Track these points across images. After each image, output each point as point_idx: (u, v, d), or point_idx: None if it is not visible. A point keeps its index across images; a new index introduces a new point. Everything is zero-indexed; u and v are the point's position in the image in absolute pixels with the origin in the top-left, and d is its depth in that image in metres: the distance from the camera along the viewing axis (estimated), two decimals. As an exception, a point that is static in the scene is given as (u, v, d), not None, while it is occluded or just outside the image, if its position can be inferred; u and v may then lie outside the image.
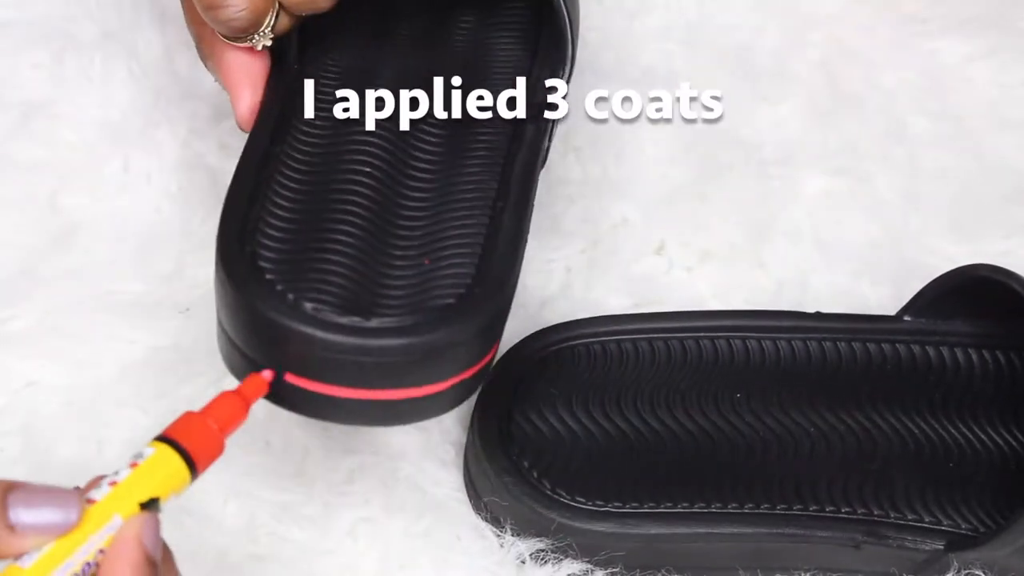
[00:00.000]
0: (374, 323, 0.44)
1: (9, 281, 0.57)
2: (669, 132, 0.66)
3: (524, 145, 0.52)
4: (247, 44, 0.49)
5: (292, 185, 0.48)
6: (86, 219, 0.60)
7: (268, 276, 0.44)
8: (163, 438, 0.40)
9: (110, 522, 0.38)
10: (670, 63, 0.69)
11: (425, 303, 0.45)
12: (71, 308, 0.57)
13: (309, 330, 0.43)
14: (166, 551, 0.40)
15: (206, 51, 0.51)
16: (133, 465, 0.39)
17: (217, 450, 0.41)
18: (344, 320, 0.44)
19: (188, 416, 0.41)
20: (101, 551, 0.37)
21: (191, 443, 0.40)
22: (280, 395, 0.45)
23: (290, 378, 0.44)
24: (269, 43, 0.49)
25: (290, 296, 0.44)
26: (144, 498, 0.39)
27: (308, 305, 0.44)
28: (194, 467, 0.40)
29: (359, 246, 0.47)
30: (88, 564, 0.37)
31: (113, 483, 0.38)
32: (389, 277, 0.46)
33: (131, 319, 0.57)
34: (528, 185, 0.51)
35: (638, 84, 0.67)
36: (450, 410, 0.49)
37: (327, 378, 0.44)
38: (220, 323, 0.46)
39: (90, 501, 0.38)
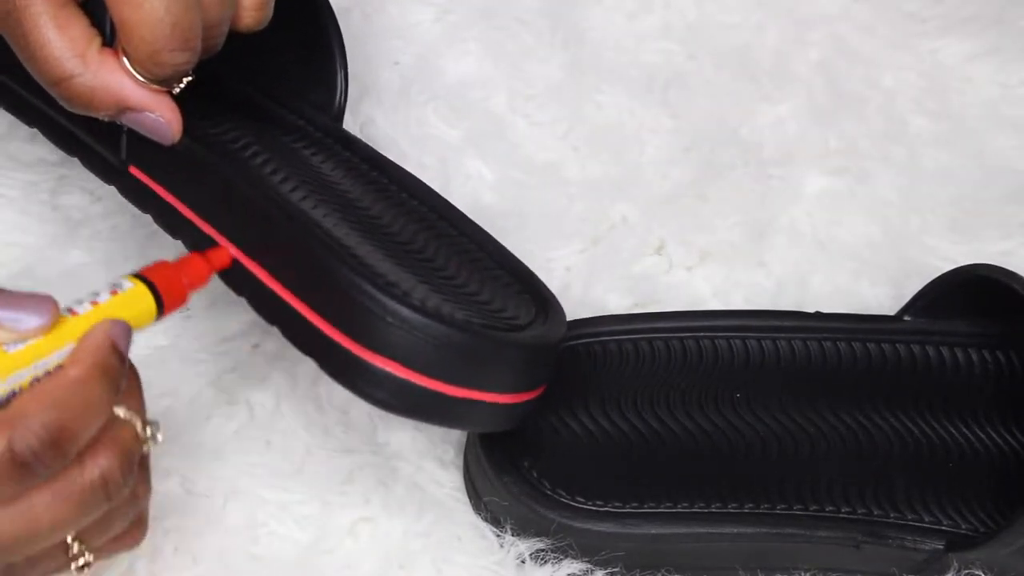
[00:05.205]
0: (418, 302, 0.45)
1: (9, 281, 0.57)
2: (669, 132, 0.66)
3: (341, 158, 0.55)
4: (166, 88, 0.47)
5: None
6: (86, 219, 0.60)
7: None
8: (141, 277, 0.44)
9: None
10: (670, 63, 0.69)
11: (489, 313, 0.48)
12: (71, 308, 0.57)
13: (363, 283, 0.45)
14: (134, 376, 0.44)
15: (102, 97, 0.47)
16: (113, 292, 0.43)
17: (181, 300, 0.46)
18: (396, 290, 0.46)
19: (163, 265, 0.45)
20: None
21: (164, 288, 0.44)
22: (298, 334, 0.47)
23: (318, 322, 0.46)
24: (183, 86, 0.48)
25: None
26: None
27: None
28: (161, 310, 0.45)
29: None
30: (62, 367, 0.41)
31: (94, 303, 0.43)
32: (436, 273, 0.49)
33: (131, 319, 0.57)
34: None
35: (638, 84, 0.68)
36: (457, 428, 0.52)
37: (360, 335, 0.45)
38: None
39: (73, 312, 0.42)
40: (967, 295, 0.56)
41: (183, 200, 0.50)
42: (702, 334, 0.56)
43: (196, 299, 0.58)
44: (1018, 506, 0.50)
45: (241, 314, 0.57)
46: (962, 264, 0.56)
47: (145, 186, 0.51)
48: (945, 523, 0.52)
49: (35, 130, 0.61)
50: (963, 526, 0.52)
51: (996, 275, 0.54)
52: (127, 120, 0.48)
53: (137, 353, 0.56)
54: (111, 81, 0.46)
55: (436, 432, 0.56)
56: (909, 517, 0.52)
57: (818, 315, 0.57)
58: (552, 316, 0.50)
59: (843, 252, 0.63)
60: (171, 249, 0.59)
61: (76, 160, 0.61)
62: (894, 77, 0.69)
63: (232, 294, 0.58)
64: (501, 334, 0.47)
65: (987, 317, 0.57)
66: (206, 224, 0.49)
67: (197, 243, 0.50)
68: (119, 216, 0.60)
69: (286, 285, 0.47)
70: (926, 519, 0.52)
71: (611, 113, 0.67)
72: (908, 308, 0.58)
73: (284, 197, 0.49)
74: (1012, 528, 0.50)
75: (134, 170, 0.51)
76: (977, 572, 0.51)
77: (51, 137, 0.56)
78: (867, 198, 0.65)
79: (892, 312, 0.58)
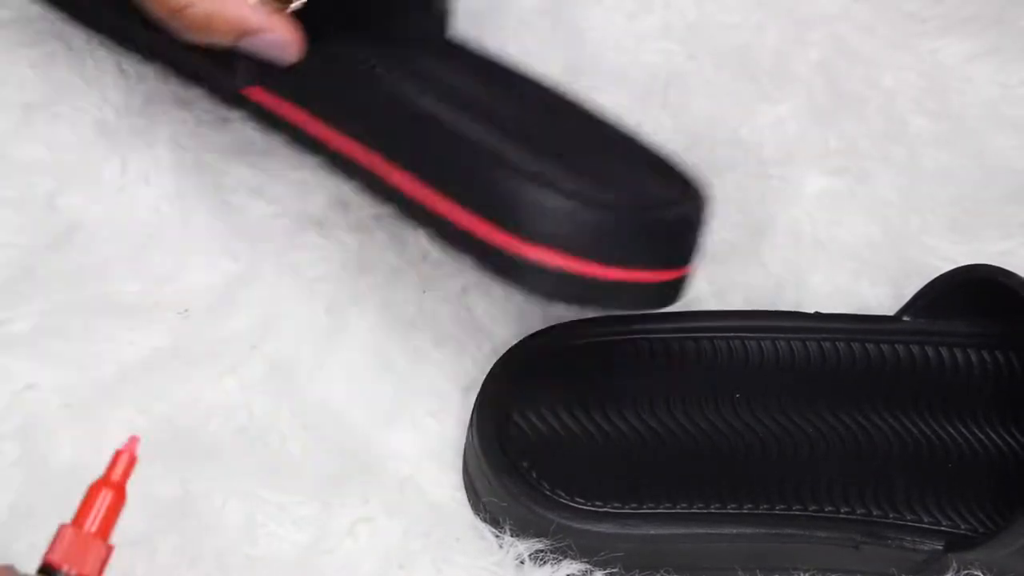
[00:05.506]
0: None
1: (8, 282, 0.57)
2: (669, 132, 0.66)
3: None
4: (283, 6, 0.48)
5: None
6: (85, 220, 0.60)
7: None
8: (46, 569, 0.39)
9: None
10: (670, 63, 0.69)
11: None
12: (70, 309, 0.57)
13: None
14: None
15: (220, 23, 0.47)
16: None
17: (106, 553, 0.40)
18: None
19: (64, 531, 0.39)
20: None
21: (77, 565, 0.39)
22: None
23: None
24: (301, 5, 0.48)
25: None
26: None
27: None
28: None
29: None
30: None
31: None
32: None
33: (130, 320, 0.57)
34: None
35: (638, 84, 0.68)
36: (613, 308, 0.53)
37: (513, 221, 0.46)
38: None
39: None
40: (967, 295, 0.56)
41: (316, 115, 0.50)
42: (702, 334, 0.56)
43: (196, 299, 0.58)
44: (1018, 506, 0.50)
45: (241, 314, 0.57)
46: (962, 264, 0.56)
47: (272, 110, 0.51)
48: (945, 523, 0.52)
49: (34, 131, 0.61)
50: (963, 526, 0.52)
51: (996, 275, 0.54)
52: (247, 44, 0.48)
53: (137, 353, 0.56)
54: (227, 5, 0.47)
55: (436, 432, 0.56)
56: (909, 517, 0.52)
57: (818, 315, 0.57)
58: (694, 194, 0.51)
59: (843, 252, 0.63)
60: (168, 250, 0.59)
61: (75, 161, 0.61)
62: (894, 77, 0.69)
63: (232, 294, 0.58)
64: (649, 211, 0.48)
65: (987, 317, 0.57)
66: (343, 137, 0.49)
67: (331, 156, 0.50)
68: (118, 217, 0.60)
69: (433, 186, 0.47)
70: (926, 519, 0.52)
71: (611, 113, 0.67)
72: (908, 308, 0.57)
73: (419, 102, 0.49)
74: (1012, 528, 0.50)
75: (260, 93, 0.51)
76: (976, 572, 0.51)
77: (170, 71, 0.56)
78: (867, 198, 0.65)
79: (892, 312, 0.58)
